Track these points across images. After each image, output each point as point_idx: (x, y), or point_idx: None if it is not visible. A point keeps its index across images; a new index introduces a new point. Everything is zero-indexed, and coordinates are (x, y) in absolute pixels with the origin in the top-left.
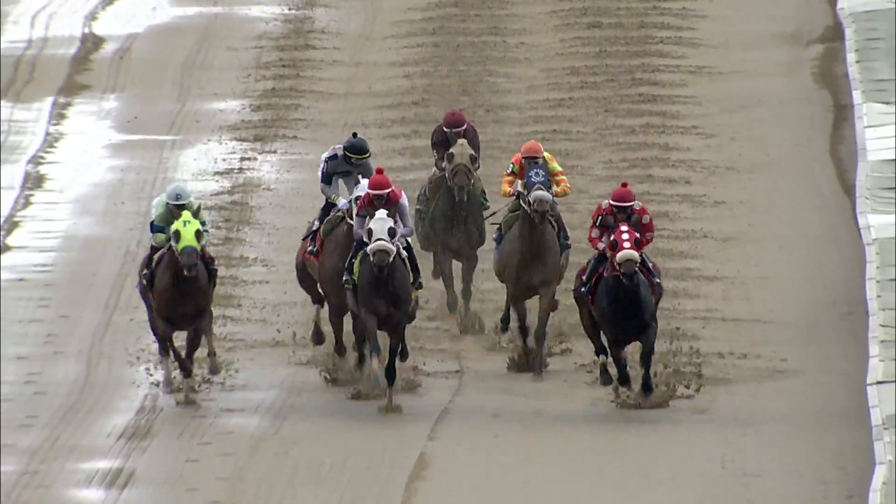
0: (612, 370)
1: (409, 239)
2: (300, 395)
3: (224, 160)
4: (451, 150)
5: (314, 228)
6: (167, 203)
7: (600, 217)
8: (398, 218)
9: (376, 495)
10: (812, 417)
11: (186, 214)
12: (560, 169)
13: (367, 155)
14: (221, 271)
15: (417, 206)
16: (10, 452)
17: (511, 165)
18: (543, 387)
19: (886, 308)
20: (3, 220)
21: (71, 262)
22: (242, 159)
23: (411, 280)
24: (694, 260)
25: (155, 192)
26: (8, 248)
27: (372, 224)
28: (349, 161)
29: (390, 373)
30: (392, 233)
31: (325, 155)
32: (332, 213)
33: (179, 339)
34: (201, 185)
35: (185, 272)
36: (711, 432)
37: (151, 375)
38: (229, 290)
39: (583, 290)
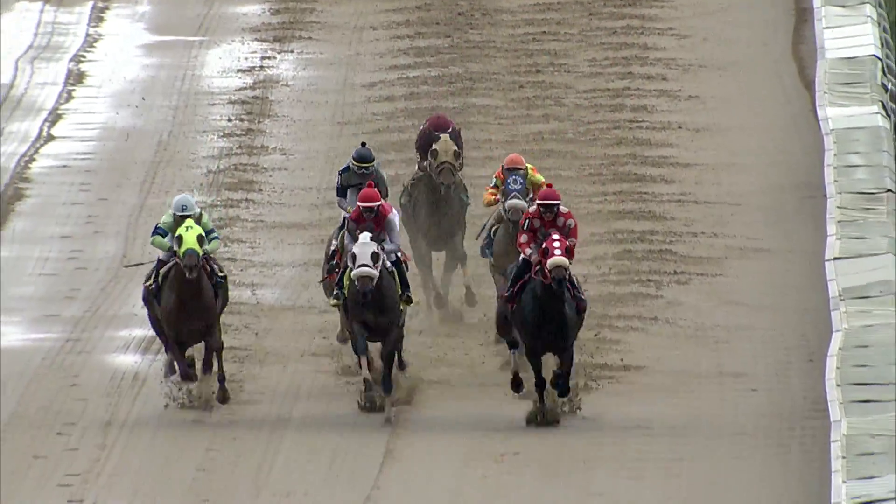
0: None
1: (399, 254)
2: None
3: (246, 59)
4: (434, 147)
5: (333, 249)
6: (173, 214)
7: (528, 221)
8: (385, 233)
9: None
10: (776, 290)
11: (189, 220)
12: (543, 179)
13: (373, 163)
14: (243, 159)
15: (401, 201)
16: (54, 322)
17: (494, 180)
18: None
19: (843, 191)
20: (48, 113)
21: (109, 150)
22: (263, 58)
23: (399, 293)
24: (669, 148)
25: (184, 88)
26: (52, 138)
27: (355, 249)
28: (357, 170)
29: (386, 383)
30: (375, 258)
31: (339, 169)
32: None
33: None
34: (226, 81)
35: (187, 273)
36: (685, 309)
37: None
38: (251, 175)
39: (505, 295)
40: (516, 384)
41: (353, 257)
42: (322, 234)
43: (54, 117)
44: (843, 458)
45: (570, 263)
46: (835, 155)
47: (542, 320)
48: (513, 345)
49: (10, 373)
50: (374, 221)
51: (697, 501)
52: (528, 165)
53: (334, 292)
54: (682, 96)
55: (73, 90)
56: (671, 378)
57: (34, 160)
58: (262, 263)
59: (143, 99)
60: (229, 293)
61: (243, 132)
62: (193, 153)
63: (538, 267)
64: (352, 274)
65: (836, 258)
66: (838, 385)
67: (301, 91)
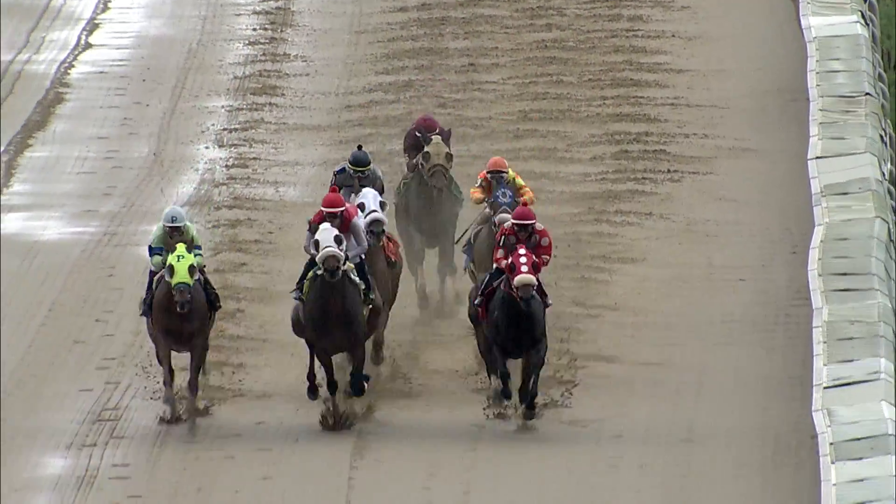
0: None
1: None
2: None
3: None
4: (427, 150)
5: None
6: (163, 226)
7: (503, 237)
8: (352, 238)
9: None
10: (762, 187)
11: (181, 248)
12: (524, 183)
13: (369, 166)
14: (267, 66)
15: (394, 201)
16: (92, 217)
17: (479, 180)
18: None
19: (824, 95)
20: (86, 22)
21: (142, 57)
22: None
23: (362, 298)
24: (663, 55)
25: (212, 0)
26: (90, 46)
27: (318, 235)
28: (353, 173)
29: (355, 387)
30: (338, 240)
31: (335, 169)
32: None
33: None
34: None
35: (178, 309)
36: (678, 204)
37: (209, 150)
38: (274, 81)
39: (475, 302)
40: (505, 395)
41: (317, 244)
42: (341, 135)
43: (91, 26)
44: (825, 342)
45: (537, 280)
46: (817, 61)
47: (511, 325)
48: (494, 372)
49: (52, 264)
50: (340, 228)
51: (688, 382)
52: (510, 171)
53: (293, 293)
54: (676, 6)
55: (109, 1)
56: (665, 270)
57: (73, 66)
58: (284, 163)
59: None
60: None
61: (267, 41)
62: (220, 60)
63: (506, 278)
64: (318, 256)
65: (817, 157)
66: (820, 275)
67: (321, 2)
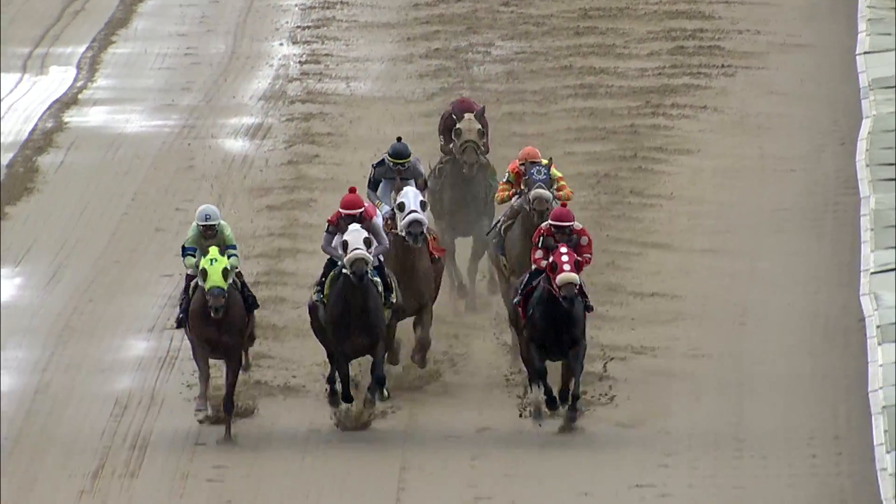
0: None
1: (382, 257)
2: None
3: None
4: (458, 126)
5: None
6: (197, 224)
7: (541, 238)
8: (372, 235)
9: None
10: (812, 81)
11: (214, 251)
12: (560, 174)
13: (409, 158)
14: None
15: (429, 185)
16: (172, 110)
17: (507, 174)
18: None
19: None
20: None
21: None
22: None
23: (383, 301)
24: None
25: None
26: None
27: (347, 236)
28: (393, 166)
29: (376, 382)
30: (368, 242)
31: (373, 162)
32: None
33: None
34: None
35: (213, 314)
36: (731, 98)
37: (283, 47)
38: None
39: (514, 300)
40: (537, 413)
41: (345, 244)
42: (409, 33)
43: None
44: (872, 230)
45: (580, 278)
46: None
47: (551, 324)
48: (535, 380)
49: (134, 155)
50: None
51: (740, 268)
52: (544, 160)
53: (314, 294)
54: None
55: None
56: (719, 161)
57: None
58: (354, 59)
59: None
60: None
61: None
62: None
63: (547, 278)
64: (346, 258)
65: (865, 52)
66: (867, 165)
67: None
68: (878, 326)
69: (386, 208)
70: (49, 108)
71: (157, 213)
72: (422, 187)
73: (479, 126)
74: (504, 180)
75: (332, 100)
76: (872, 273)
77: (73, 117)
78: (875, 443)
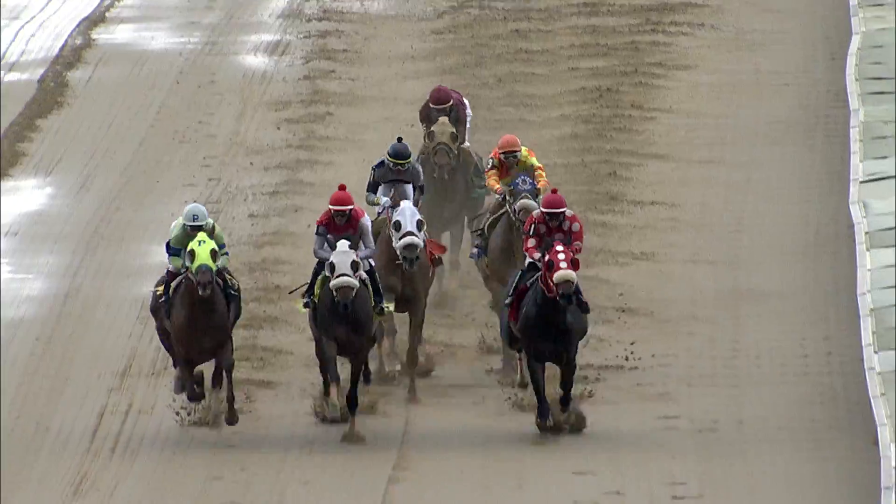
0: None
1: (372, 261)
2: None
3: None
4: (431, 129)
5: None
6: (184, 224)
7: (533, 226)
8: (360, 238)
9: None
10: (804, 1)
11: (202, 234)
12: (539, 164)
13: (409, 159)
14: None
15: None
16: (195, 28)
17: (490, 160)
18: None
19: None
20: None
21: None
22: None
23: (372, 304)
24: None
25: None
26: None
27: (333, 258)
28: (393, 166)
29: (352, 401)
30: (355, 266)
31: (373, 164)
32: (377, 215)
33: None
34: None
35: (200, 291)
36: (727, 15)
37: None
38: None
39: (505, 301)
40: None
41: (332, 266)
42: None
43: None
44: (861, 141)
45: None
46: None
47: (545, 328)
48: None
49: (159, 71)
50: (346, 227)
51: (737, 178)
52: (524, 148)
53: (304, 300)
54: None
55: None
56: (716, 76)
57: None
58: None
59: None
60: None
61: None
62: None
63: (541, 276)
64: (331, 284)
65: None
66: (857, 80)
67: None
68: (866, 233)
69: (384, 199)
70: (78, 26)
71: (181, 126)
72: (421, 192)
73: (452, 129)
74: (489, 167)
75: (347, 18)
76: (861, 182)
77: (100, 35)
78: (863, 343)
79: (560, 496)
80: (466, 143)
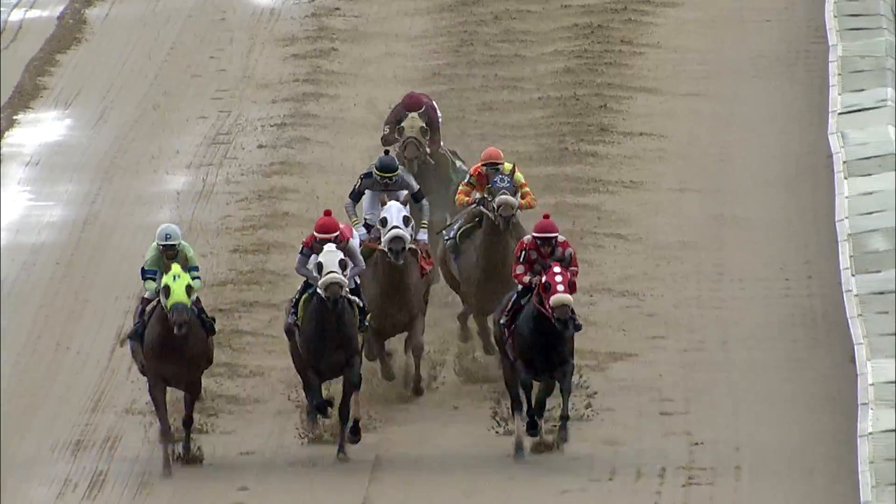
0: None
1: (358, 279)
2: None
3: None
4: (401, 125)
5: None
6: (157, 245)
7: (524, 252)
8: (348, 258)
9: None
10: None
11: (177, 268)
12: (524, 180)
13: (396, 171)
14: None
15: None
16: None
17: (468, 177)
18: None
19: None
20: None
21: None
22: None
23: (358, 324)
24: None
25: None
26: None
27: (322, 257)
28: (381, 179)
29: (343, 413)
30: (343, 265)
31: (361, 173)
32: (366, 235)
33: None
34: None
35: (175, 331)
36: None
37: None
38: None
39: (501, 322)
40: (520, 449)
41: (320, 266)
42: None
43: None
44: (839, 75)
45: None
46: None
47: (538, 346)
48: (517, 407)
49: (172, 9)
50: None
51: (721, 110)
52: (507, 164)
53: (288, 317)
54: None
55: None
56: (701, 12)
57: None
58: None
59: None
60: None
61: None
62: None
63: (535, 296)
64: (321, 281)
65: None
66: (835, 16)
67: None
68: (844, 162)
69: (362, 230)
70: None
71: (193, 61)
72: (419, 199)
73: (422, 124)
74: (465, 181)
75: None
76: (839, 114)
77: None
78: (841, 267)
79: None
80: (442, 148)
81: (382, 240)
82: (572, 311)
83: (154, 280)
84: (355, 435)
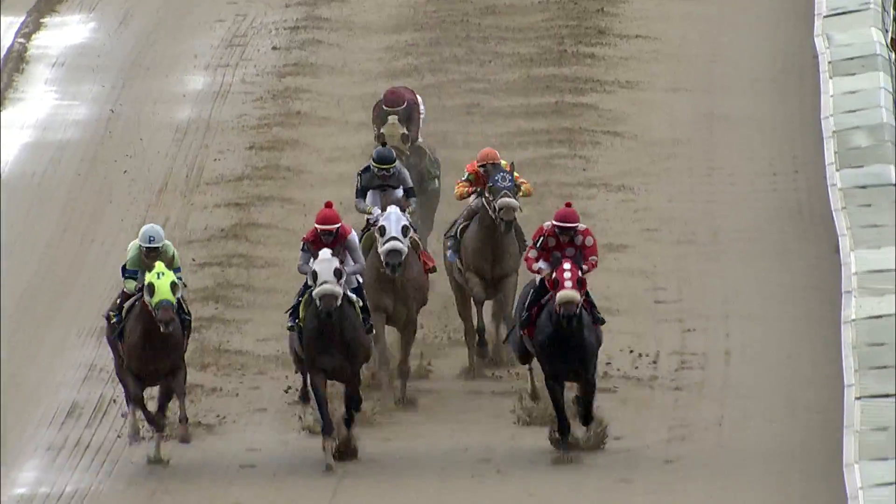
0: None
1: (361, 277)
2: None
3: None
4: (381, 131)
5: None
6: (140, 246)
7: (541, 238)
8: (348, 255)
9: None
10: None
11: (160, 266)
12: (518, 174)
13: (393, 164)
14: None
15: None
16: None
17: (466, 174)
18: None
19: None
20: None
21: None
22: None
23: (362, 322)
24: None
25: None
26: None
27: (316, 266)
28: (378, 171)
29: (349, 415)
30: (338, 274)
31: (359, 169)
32: (368, 228)
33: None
34: None
35: (162, 328)
36: None
37: None
38: None
39: (522, 318)
40: (562, 432)
41: (314, 275)
42: None
43: None
44: None
45: (583, 295)
46: None
47: (559, 348)
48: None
49: None
50: (333, 244)
51: (711, 15)
52: (503, 161)
53: (288, 323)
54: None
55: None
56: None
57: None
58: None
59: None
60: None
61: None
62: None
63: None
64: (314, 292)
65: None
66: None
67: None
68: (829, 62)
69: (377, 210)
70: None
71: None
72: (411, 195)
73: (403, 130)
74: (463, 178)
75: None
76: (825, 16)
77: None
78: (826, 163)
79: None
80: (420, 140)
81: (380, 250)
82: (590, 307)
83: (135, 280)
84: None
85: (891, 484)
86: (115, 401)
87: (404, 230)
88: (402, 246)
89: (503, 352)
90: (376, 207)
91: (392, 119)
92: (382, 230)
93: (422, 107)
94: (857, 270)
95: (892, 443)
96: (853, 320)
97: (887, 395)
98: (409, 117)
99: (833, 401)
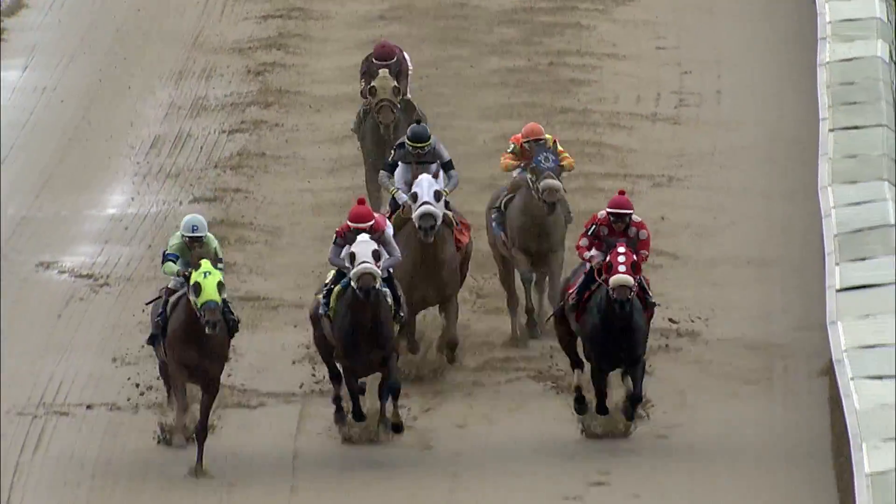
0: (590, 394)
1: (392, 270)
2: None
3: None
4: (373, 84)
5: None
6: (182, 235)
7: (594, 226)
8: (382, 248)
9: None
10: None
11: (206, 264)
12: (561, 148)
13: (429, 141)
14: None
15: (351, 128)
16: None
17: (511, 145)
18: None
19: None
20: None
21: None
22: None
23: (393, 314)
24: None
25: None
26: None
27: (354, 247)
28: (412, 150)
29: (389, 392)
30: (377, 255)
31: (395, 143)
32: (395, 206)
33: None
34: None
35: (208, 330)
36: None
37: None
38: None
39: (570, 302)
40: (579, 402)
41: (352, 256)
42: None
43: None
44: None
45: (637, 279)
46: None
47: (609, 335)
48: (577, 364)
49: None
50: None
51: None
52: (549, 136)
53: (320, 311)
54: None
55: None
56: None
57: None
58: None
59: None
60: None
61: None
62: None
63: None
64: (352, 272)
65: None
66: None
67: None
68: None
69: (403, 196)
70: None
71: None
72: (448, 169)
73: (394, 83)
74: (509, 150)
75: None
76: None
77: None
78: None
79: None
80: (408, 95)
81: (413, 216)
82: (644, 290)
83: (174, 262)
84: (398, 432)
85: (858, 203)
86: (191, 135)
87: (436, 195)
88: (435, 209)
89: (540, 325)
90: (401, 189)
91: (383, 72)
92: (415, 196)
93: (409, 62)
94: (832, 19)
95: (860, 168)
96: (827, 63)
97: (856, 127)
98: (398, 71)
99: (811, 134)
